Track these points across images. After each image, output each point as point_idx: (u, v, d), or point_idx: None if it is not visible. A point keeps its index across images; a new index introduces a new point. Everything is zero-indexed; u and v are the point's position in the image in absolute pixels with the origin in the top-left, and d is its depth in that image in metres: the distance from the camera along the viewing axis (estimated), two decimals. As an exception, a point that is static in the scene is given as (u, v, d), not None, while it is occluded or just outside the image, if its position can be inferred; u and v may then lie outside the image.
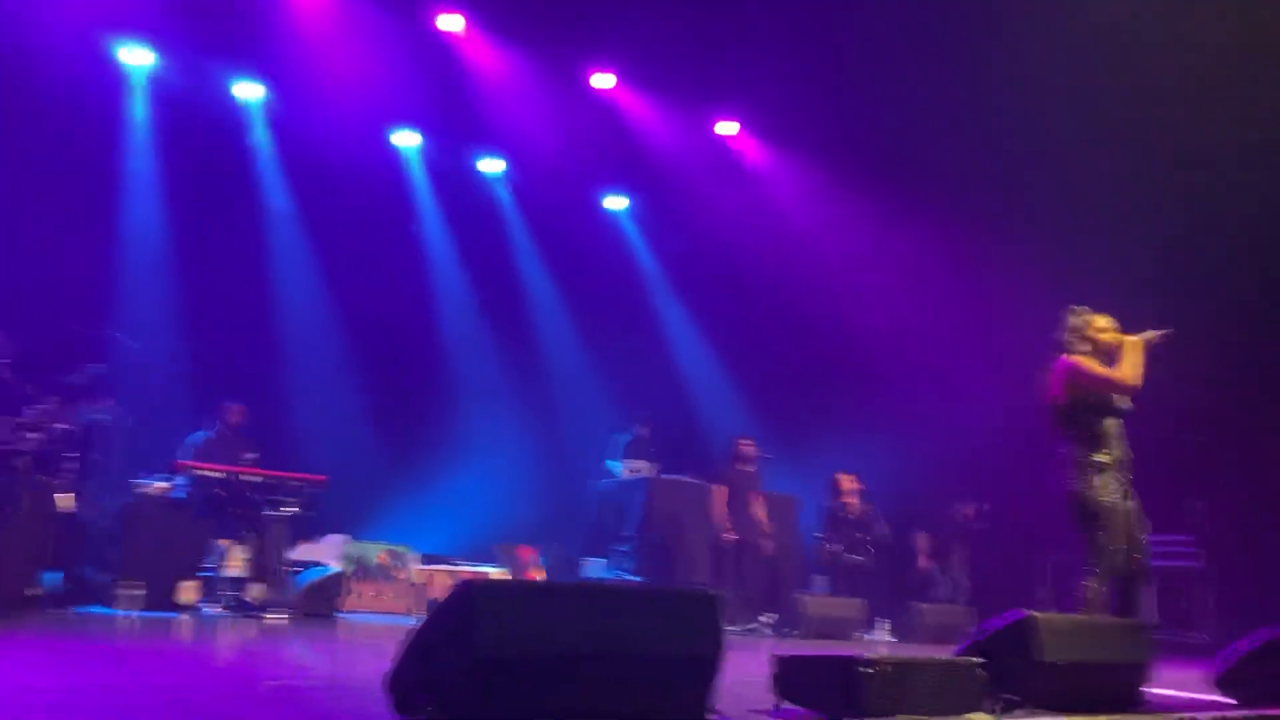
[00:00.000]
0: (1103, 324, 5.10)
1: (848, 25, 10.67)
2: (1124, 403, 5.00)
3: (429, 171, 12.05)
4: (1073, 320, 5.13)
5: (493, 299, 12.19)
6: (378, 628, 7.70)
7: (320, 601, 8.01)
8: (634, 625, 2.90)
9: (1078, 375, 4.98)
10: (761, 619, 9.51)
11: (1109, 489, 4.88)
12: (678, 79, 11.67)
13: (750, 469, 9.96)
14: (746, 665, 4.38)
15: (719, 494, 9.73)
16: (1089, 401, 4.96)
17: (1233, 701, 4.49)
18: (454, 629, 2.76)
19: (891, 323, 11.95)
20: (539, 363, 12.30)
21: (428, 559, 9.39)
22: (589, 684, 2.84)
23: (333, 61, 10.52)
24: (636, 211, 13.35)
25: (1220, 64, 9.53)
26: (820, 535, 10.41)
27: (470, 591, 2.73)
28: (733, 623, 9.35)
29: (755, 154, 12.94)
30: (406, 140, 11.90)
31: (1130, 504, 4.98)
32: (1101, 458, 4.92)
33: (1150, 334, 5.01)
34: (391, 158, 11.88)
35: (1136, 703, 4.09)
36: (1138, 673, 4.14)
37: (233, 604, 7.52)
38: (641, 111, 12.22)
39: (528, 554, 9.91)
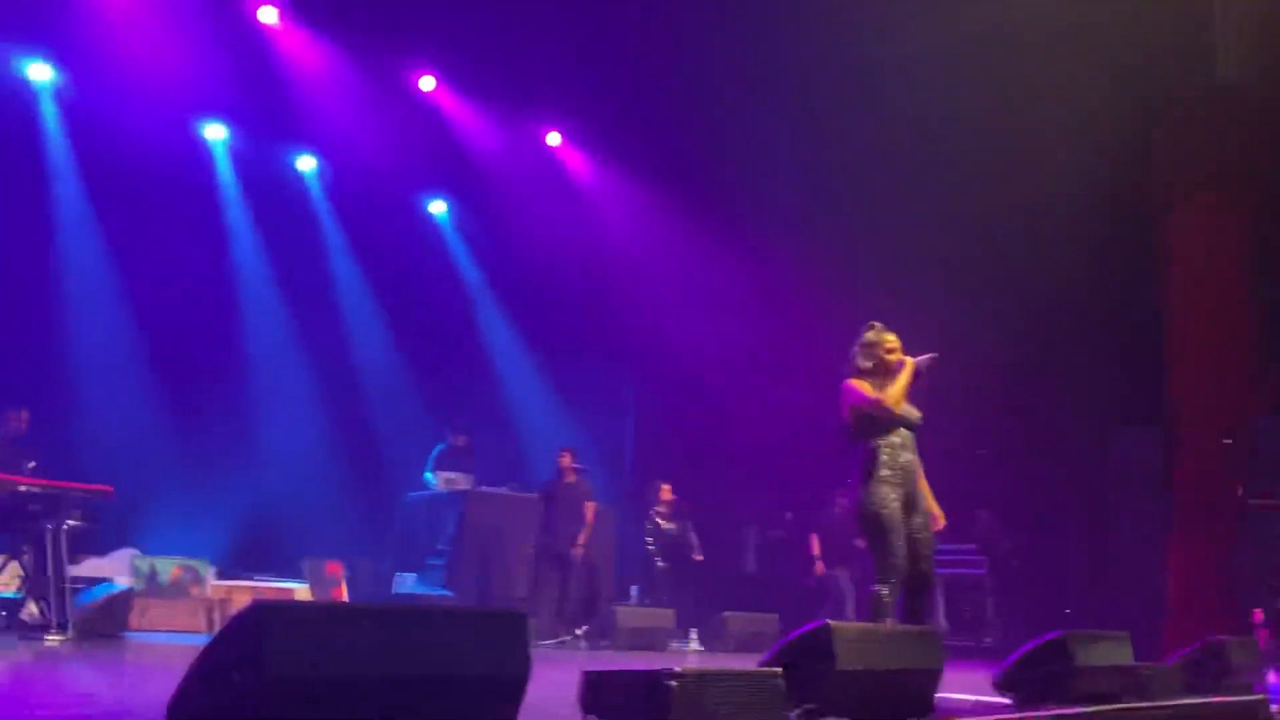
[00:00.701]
0: (892, 343, 5.30)
1: (670, 45, 10.88)
2: (911, 414, 5.22)
3: (239, 167, 11.51)
4: (867, 336, 5.33)
5: (304, 302, 11.74)
6: (169, 648, 7.25)
7: (106, 621, 7.48)
8: (436, 645, 2.81)
9: (849, 395, 5.20)
10: (577, 631, 9.50)
11: (890, 501, 5.08)
12: (499, 85, 11.61)
13: (570, 480, 9.95)
14: (558, 680, 4.34)
15: (538, 507, 9.71)
16: (869, 418, 5.16)
17: (1008, 702, 4.76)
18: (242, 651, 2.61)
19: (709, 337, 12.23)
20: (353, 369, 11.94)
21: (225, 574, 8.94)
22: (388, 707, 2.74)
23: (136, 45, 9.90)
24: (457, 217, 13.16)
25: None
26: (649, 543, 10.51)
27: (259, 612, 2.59)
28: (550, 635, 9.31)
29: (577, 165, 12.99)
30: (216, 133, 11.35)
31: (916, 516, 5.19)
32: (884, 471, 5.12)
33: (924, 358, 5.25)
34: (199, 150, 11.30)
35: (928, 708, 4.26)
36: (930, 678, 4.31)
37: (7, 625, 6.94)
38: (463, 116, 12.07)
39: (334, 569, 9.57)
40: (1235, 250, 10.69)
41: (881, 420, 5.13)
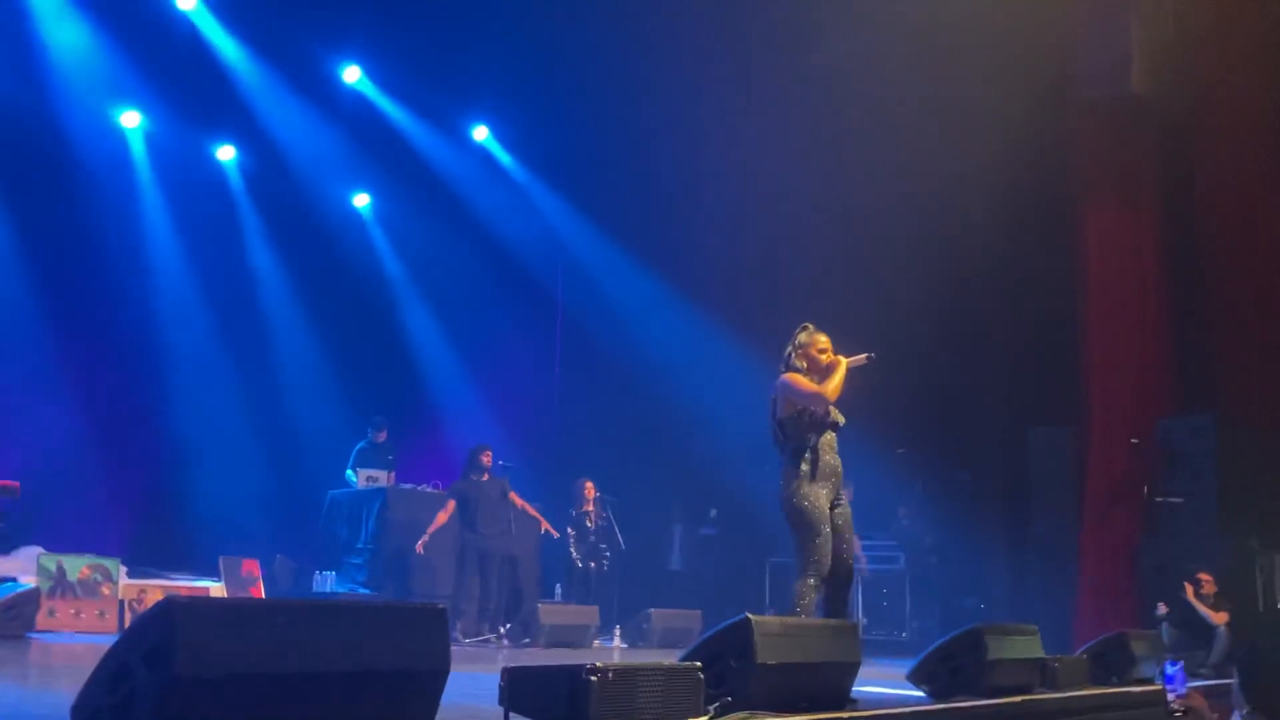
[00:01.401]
0: (824, 343, 5.39)
1: (598, 41, 10.89)
2: (837, 418, 5.31)
3: (155, 155, 11.20)
4: (801, 337, 5.40)
5: (223, 295, 11.48)
6: (77, 649, 7.03)
7: (11, 621, 7.25)
8: (353, 641, 2.78)
9: (790, 390, 5.26)
10: (500, 630, 9.44)
11: (818, 497, 5.16)
12: (425, 78, 11.50)
13: (485, 479, 9.87)
14: (480, 678, 4.32)
15: (447, 506, 9.62)
16: (803, 416, 5.23)
17: (923, 694, 4.86)
18: (151, 649, 2.55)
19: (636, 333, 12.28)
20: (273, 364, 11.71)
21: (137, 573, 8.70)
22: (303, 704, 2.70)
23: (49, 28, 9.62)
24: (381, 210, 12.99)
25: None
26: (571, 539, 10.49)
27: (170, 608, 2.53)
28: (474, 634, 9.25)
29: (503, 160, 12.94)
30: (131, 121, 11.05)
31: (839, 515, 5.27)
32: (814, 470, 5.20)
33: (857, 357, 5.35)
34: (113, 138, 10.98)
35: (846, 701, 4.33)
36: (847, 672, 4.37)
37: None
38: (388, 109, 11.93)
39: (251, 567, 9.38)
40: (1146, 255, 11.04)
41: (818, 416, 5.21)
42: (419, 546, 9.45)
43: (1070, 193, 11.23)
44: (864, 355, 5.32)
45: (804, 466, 5.19)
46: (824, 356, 5.33)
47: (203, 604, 2.61)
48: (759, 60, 10.65)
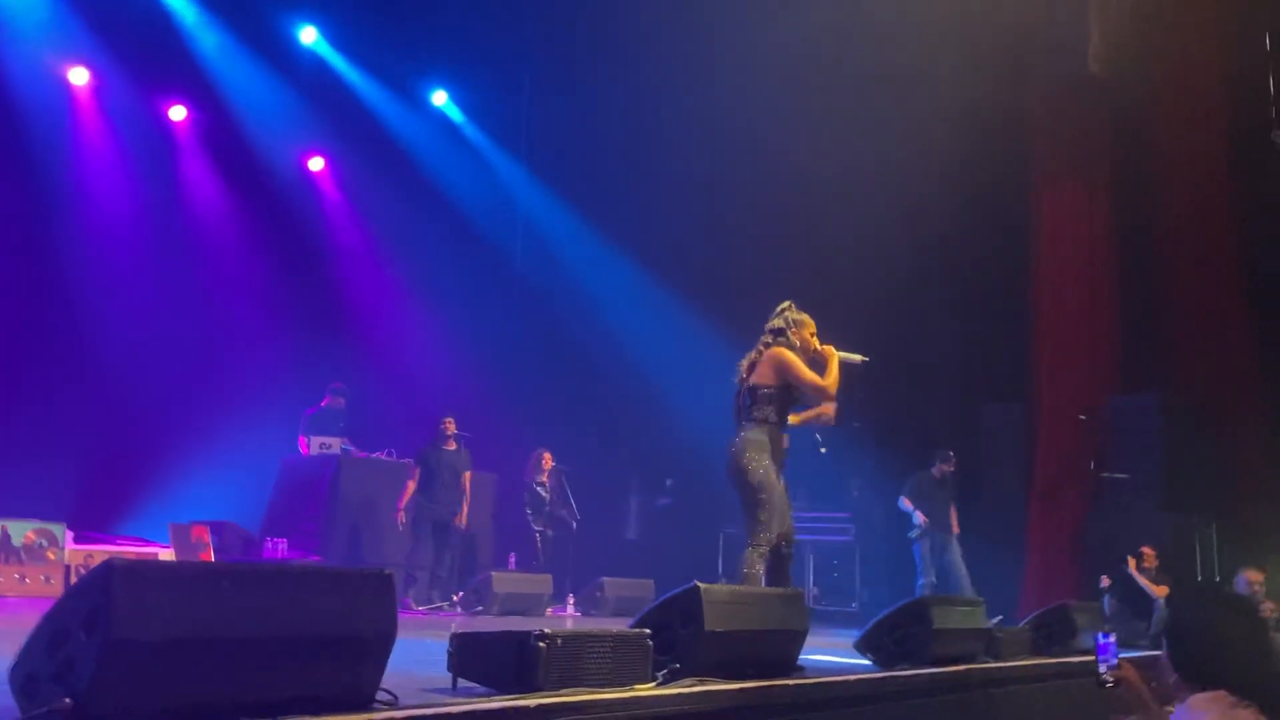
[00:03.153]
0: (812, 326, 5.44)
1: (558, 17, 10.81)
2: (828, 407, 5.36)
3: (104, 113, 10.94)
4: (793, 316, 5.42)
5: (175, 256, 11.26)
6: (21, 615, 6.94)
7: (-49, 586, 7.13)
8: (296, 607, 2.75)
9: (789, 370, 5.26)
10: (453, 598, 9.44)
11: (773, 473, 5.21)
12: (383, 40, 11.33)
13: (450, 447, 9.85)
14: (430, 645, 4.32)
15: (414, 474, 9.59)
16: (788, 394, 5.27)
17: (869, 663, 4.94)
18: (91, 612, 2.51)
19: (593, 302, 12.27)
20: (226, 329, 11.52)
21: (83, 538, 8.58)
22: (247, 668, 2.67)
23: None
24: (338, 174, 12.80)
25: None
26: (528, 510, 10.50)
27: (110, 571, 2.49)
28: (425, 601, 9.24)
29: (463, 128, 12.80)
30: (79, 78, 10.78)
31: (782, 487, 5.33)
32: (772, 446, 5.26)
33: (851, 356, 5.38)
34: (61, 94, 10.70)
35: (792, 668, 4.38)
36: (794, 640, 4.42)
37: None
38: (345, 72, 11.74)
39: (200, 533, 9.28)
40: (1098, 235, 11.17)
41: (799, 398, 5.25)
42: (399, 517, 9.43)
43: (1025, 172, 11.33)
44: (859, 356, 5.36)
45: (764, 437, 5.23)
46: (814, 340, 5.39)
47: (143, 567, 2.57)
48: (720, 34, 10.60)
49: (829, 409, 5.42)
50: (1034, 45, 10.91)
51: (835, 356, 5.32)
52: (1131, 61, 10.73)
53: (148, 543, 9.03)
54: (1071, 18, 10.72)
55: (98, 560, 8.27)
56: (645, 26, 10.69)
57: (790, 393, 5.29)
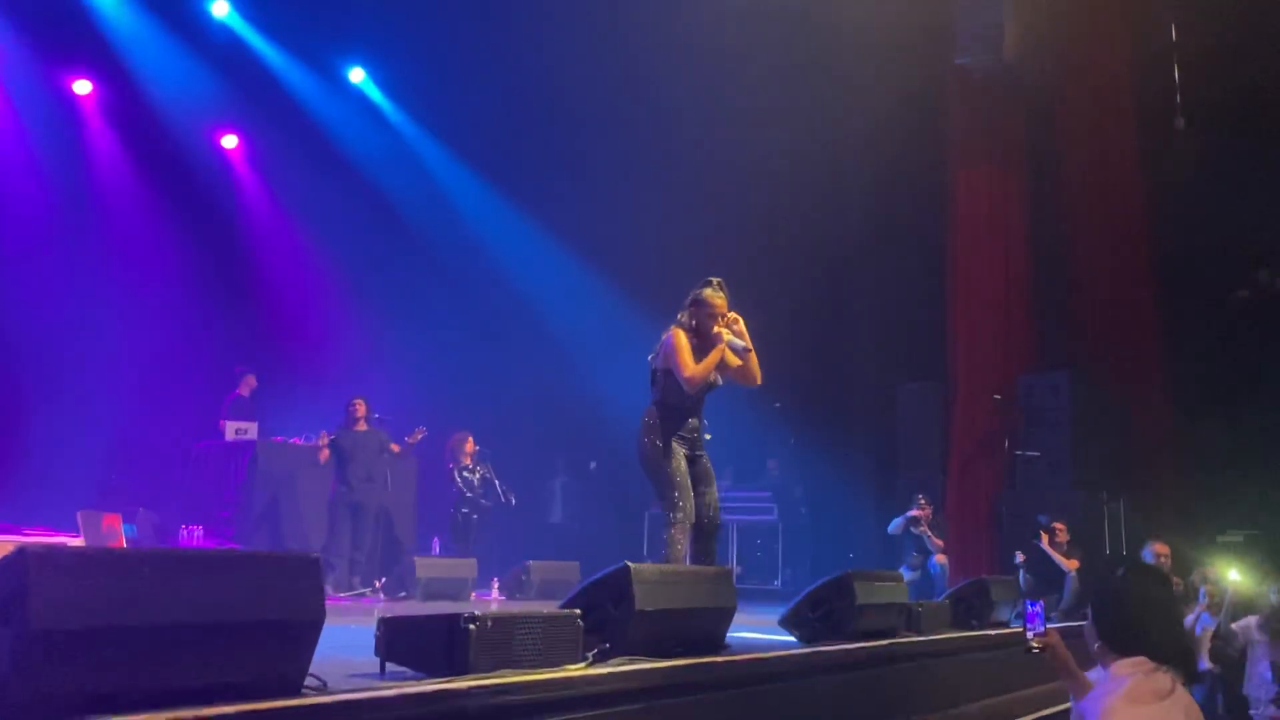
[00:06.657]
0: (719, 307, 5.33)
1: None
2: (715, 380, 5.35)
3: (3, 86, 10.49)
4: (703, 293, 5.34)
5: (82, 237, 10.88)
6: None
7: None
8: (220, 593, 2.68)
9: (669, 352, 5.27)
10: (376, 584, 9.32)
11: (678, 455, 5.23)
12: (299, 17, 11.06)
13: (362, 428, 9.70)
14: (355, 631, 4.25)
15: (322, 457, 9.47)
16: (672, 376, 5.26)
17: (794, 639, 5.00)
18: (3, 602, 2.42)
19: (515, 283, 12.19)
20: (138, 311, 11.16)
21: (-10, 528, 8.26)
22: (172, 656, 2.60)
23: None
24: (251, 152, 12.48)
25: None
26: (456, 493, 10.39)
27: (23, 559, 2.40)
28: (346, 588, 9.11)
29: (381, 105, 12.59)
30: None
31: (700, 466, 5.36)
32: (675, 428, 5.27)
33: (737, 342, 5.30)
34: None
35: (720, 645, 4.42)
36: (722, 617, 4.46)
37: None
38: (259, 46, 11.43)
39: (112, 521, 9.01)
40: (1012, 220, 11.45)
41: (686, 389, 5.25)
42: (321, 455, 9.39)
43: (941, 158, 11.55)
44: (744, 346, 5.32)
45: (657, 418, 5.26)
46: (711, 323, 5.31)
47: (58, 554, 2.49)
48: (633, 18, 10.55)
49: (750, 367, 5.35)
50: (950, 34, 11.09)
51: (721, 347, 5.26)
52: (1045, 51, 11.00)
53: (57, 532, 8.73)
54: (987, 7, 10.92)
55: (2, 551, 7.99)
56: (562, 5, 10.63)
57: (676, 379, 5.26)
